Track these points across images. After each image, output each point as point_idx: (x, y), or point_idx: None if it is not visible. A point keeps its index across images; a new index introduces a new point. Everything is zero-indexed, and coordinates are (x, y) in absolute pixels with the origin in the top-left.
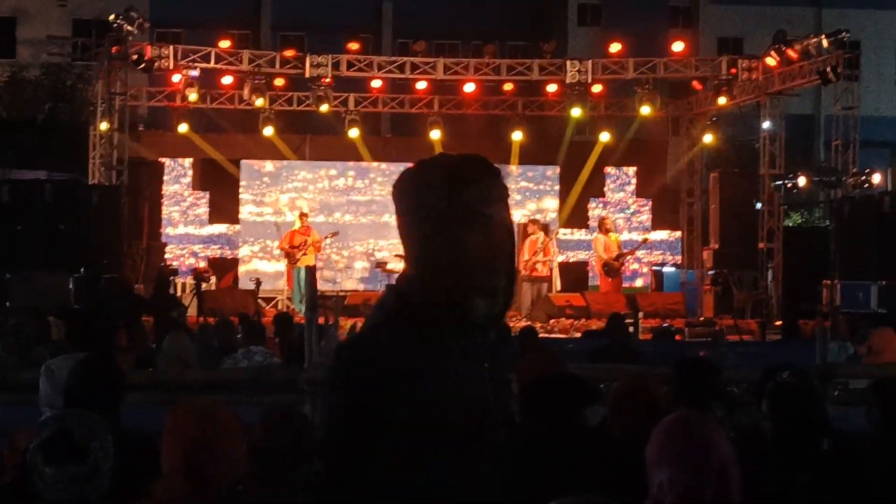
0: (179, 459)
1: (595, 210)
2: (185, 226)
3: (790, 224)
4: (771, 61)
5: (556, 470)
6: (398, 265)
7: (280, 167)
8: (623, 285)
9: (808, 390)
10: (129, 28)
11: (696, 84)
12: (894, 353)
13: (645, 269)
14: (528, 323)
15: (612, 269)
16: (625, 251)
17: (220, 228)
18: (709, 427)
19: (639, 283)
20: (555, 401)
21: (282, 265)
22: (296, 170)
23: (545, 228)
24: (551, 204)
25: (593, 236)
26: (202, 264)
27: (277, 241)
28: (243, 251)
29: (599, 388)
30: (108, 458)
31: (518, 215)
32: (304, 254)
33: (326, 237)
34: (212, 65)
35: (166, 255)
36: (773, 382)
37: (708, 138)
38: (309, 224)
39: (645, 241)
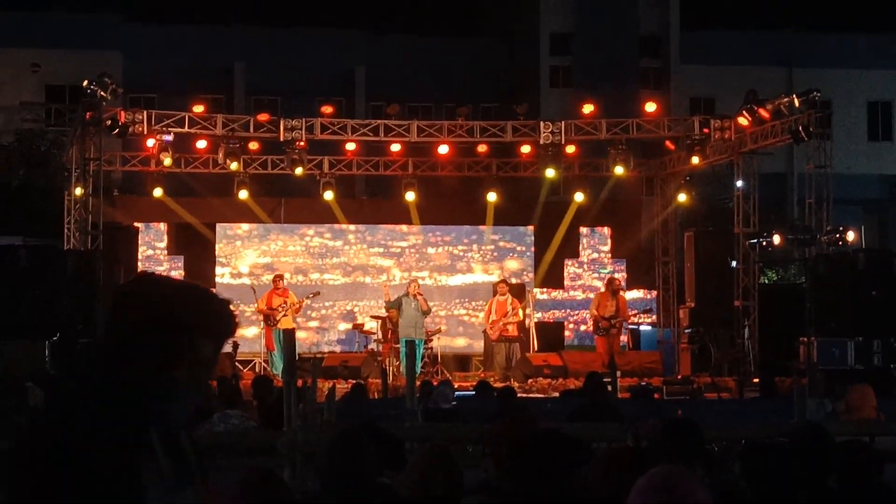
0: None
1: (571, 268)
2: None
3: (765, 282)
4: (743, 121)
5: None
6: (374, 325)
7: (255, 230)
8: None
9: (779, 448)
10: (102, 93)
11: (668, 144)
12: (871, 409)
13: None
14: (507, 383)
15: (599, 327)
16: (620, 315)
17: None
18: (691, 482)
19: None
20: (548, 460)
21: (256, 328)
22: (271, 232)
23: (520, 289)
24: (527, 264)
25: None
26: None
27: (255, 304)
28: None
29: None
30: None
31: (493, 276)
32: (284, 315)
33: (308, 297)
34: (186, 129)
35: None
36: (744, 442)
37: (682, 197)
38: (286, 286)
39: (647, 312)
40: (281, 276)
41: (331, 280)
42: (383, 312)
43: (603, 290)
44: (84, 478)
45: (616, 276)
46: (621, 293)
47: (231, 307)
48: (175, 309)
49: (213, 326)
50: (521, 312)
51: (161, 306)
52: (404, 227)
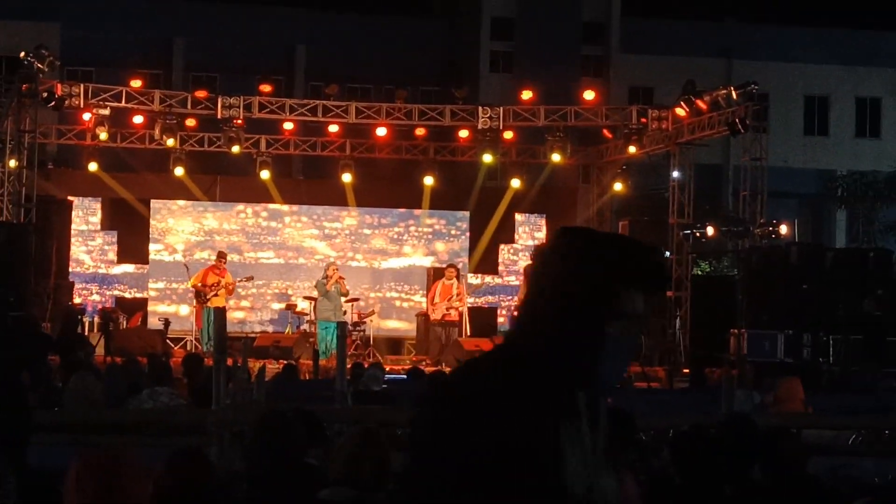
0: (84, 503)
1: (505, 254)
2: (93, 265)
3: (698, 273)
4: (681, 111)
5: None
6: (307, 306)
7: (190, 207)
8: None
9: (707, 437)
10: (39, 65)
11: (606, 133)
12: (799, 402)
13: None
14: (437, 368)
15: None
16: None
17: (128, 268)
18: (619, 470)
19: None
20: None
21: (188, 306)
22: (206, 210)
23: (458, 272)
24: (461, 248)
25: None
26: (110, 304)
27: (188, 281)
28: (152, 291)
29: None
30: (8, 498)
31: (428, 259)
32: (216, 294)
33: (241, 280)
34: (123, 104)
35: (74, 295)
36: (673, 432)
37: (618, 186)
38: (225, 266)
39: None
40: (224, 256)
41: (265, 260)
42: (315, 294)
43: (523, 278)
44: (501, 437)
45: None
46: None
47: (662, 258)
48: (606, 261)
49: (644, 279)
50: (465, 298)
51: (592, 259)
52: (340, 209)
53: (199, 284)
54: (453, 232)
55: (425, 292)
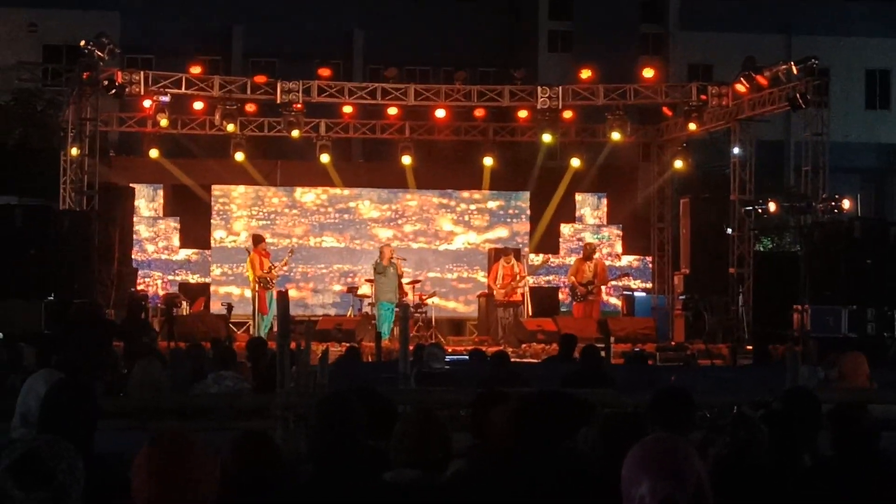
0: (151, 489)
1: (569, 233)
2: (156, 251)
3: (760, 249)
4: (741, 88)
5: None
6: (368, 288)
7: (252, 192)
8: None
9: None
10: (99, 53)
11: (666, 110)
12: (864, 377)
13: (614, 299)
14: (500, 347)
15: (576, 293)
16: (597, 280)
17: (191, 253)
18: (685, 446)
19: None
20: (552, 419)
21: (251, 291)
22: (268, 195)
23: (517, 253)
24: (522, 229)
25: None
26: (173, 289)
27: (248, 273)
28: (215, 276)
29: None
30: (78, 483)
31: (489, 240)
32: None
33: (286, 261)
34: (183, 90)
35: (137, 281)
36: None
37: (678, 164)
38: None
39: (625, 276)
40: (263, 238)
41: (327, 243)
42: (373, 275)
43: (580, 256)
44: None
45: (592, 241)
46: (597, 257)
47: None
48: None
49: None
50: (526, 279)
51: None
52: (400, 191)
53: (261, 272)
54: (514, 212)
55: (486, 273)
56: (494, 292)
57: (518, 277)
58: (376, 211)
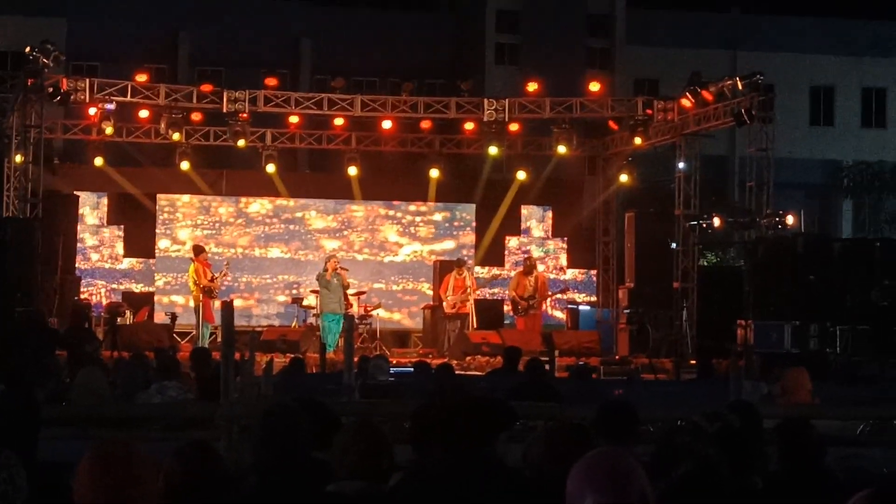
0: (94, 497)
1: (514, 246)
2: (100, 259)
3: (705, 264)
4: (686, 103)
5: None
6: (313, 299)
7: (197, 201)
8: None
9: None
10: (44, 60)
11: (612, 124)
12: (807, 393)
13: (558, 312)
14: (445, 360)
15: (518, 308)
16: (538, 294)
17: (135, 262)
18: (629, 459)
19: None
20: (473, 424)
21: (194, 301)
22: (213, 204)
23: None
24: (468, 241)
25: (512, 274)
26: (117, 298)
27: (191, 282)
28: (158, 286)
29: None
30: (20, 493)
31: (434, 252)
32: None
33: (224, 273)
34: (128, 98)
35: (81, 289)
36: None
37: (624, 178)
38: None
39: (565, 290)
40: (204, 248)
41: (271, 254)
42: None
43: (520, 270)
44: None
45: (529, 254)
46: (537, 272)
47: None
48: None
49: None
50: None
51: None
52: (346, 202)
53: (206, 281)
54: (459, 224)
55: (431, 285)
56: (444, 304)
57: (469, 290)
58: (322, 221)
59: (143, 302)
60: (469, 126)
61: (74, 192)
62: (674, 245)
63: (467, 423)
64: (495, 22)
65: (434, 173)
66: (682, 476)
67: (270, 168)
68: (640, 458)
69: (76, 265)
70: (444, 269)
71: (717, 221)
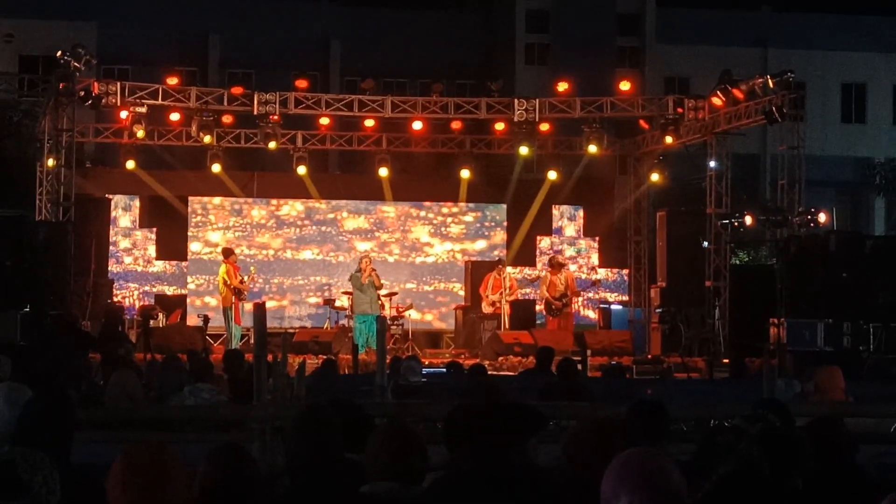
0: (127, 500)
1: (546, 246)
2: (132, 262)
3: (737, 262)
4: (717, 101)
5: None
6: (345, 301)
7: (228, 204)
8: (573, 323)
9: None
10: (76, 64)
11: (642, 123)
12: (840, 391)
13: (590, 312)
14: (477, 360)
15: (552, 308)
16: (569, 292)
17: (167, 265)
18: (663, 459)
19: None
20: (502, 429)
21: None
22: (244, 206)
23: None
24: (499, 241)
25: (542, 274)
26: (150, 301)
27: (220, 285)
28: (191, 288)
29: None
30: (54, 495)
31: (466, 253)
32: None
33: (252, 276)
34: (159, 101)
35: (113, 292)
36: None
37: (655, 177)
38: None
39: (595, 282)
40: (233, 251)
41: (303, 255)
42: (351, 288)
43: (549, 270)
44: None
45: (556, 254)
46: (565, 270)
47: None
48: None
49: None
50: (517, 291)
51: None
52: (377, 204)
53: (237, 283)
54: (490, 224)
55: (463, 285)
56: (483, 303)
57: (507, 290)
58: (354, 223)
59: (175, 304)
60: (499, 126)
61: (106, 196)
62: (705, 244)
63: (495, 427)
64: (525, 22)
65: (465, 174)
66: (723, 476)
67: (301, 170)
68: (676, 457)
69: (108, 268)
70: (475, 269)
71: (748, 220)
